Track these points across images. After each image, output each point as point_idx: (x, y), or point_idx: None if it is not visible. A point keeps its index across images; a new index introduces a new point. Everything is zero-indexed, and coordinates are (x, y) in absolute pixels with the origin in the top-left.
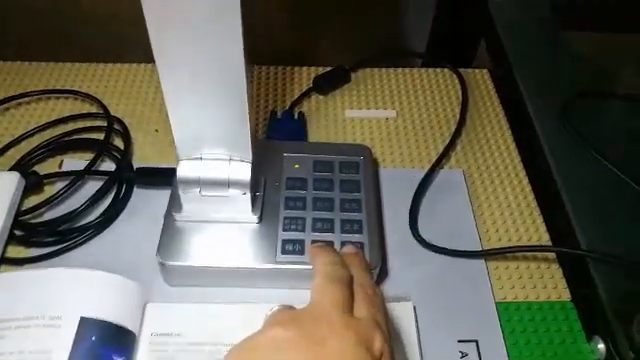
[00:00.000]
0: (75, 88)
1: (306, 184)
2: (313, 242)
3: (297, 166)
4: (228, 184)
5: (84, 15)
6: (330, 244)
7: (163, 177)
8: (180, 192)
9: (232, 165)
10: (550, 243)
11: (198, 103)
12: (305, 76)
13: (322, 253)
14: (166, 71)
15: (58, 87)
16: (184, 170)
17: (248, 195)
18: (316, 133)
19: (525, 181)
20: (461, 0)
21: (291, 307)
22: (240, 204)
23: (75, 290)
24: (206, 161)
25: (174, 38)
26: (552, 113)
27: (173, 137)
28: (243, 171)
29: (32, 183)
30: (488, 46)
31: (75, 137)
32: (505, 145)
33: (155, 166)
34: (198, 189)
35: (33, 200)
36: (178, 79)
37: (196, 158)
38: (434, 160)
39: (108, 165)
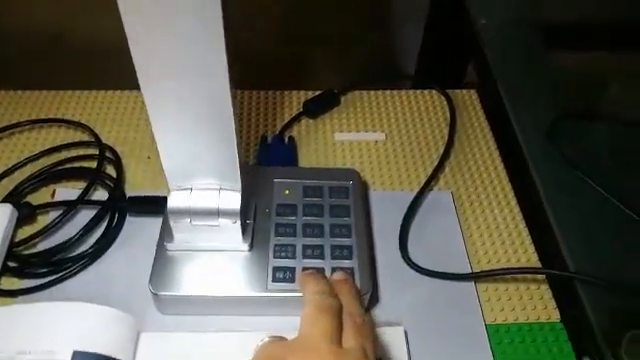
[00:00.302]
0: (67, 116)
1: (296, 210)
2: (304, 269)
3: (287, 192)
4: (218, 214)
5: (75, 40)
6: (320, 271)
7: (155, 205)
8: (171, 222)
9: (222, 195)
10: (539, 264)
11: (186, 135)
12: (295, 100)
13: (312, 281)
14: (153, 105)
15: (51, 115)
16: (174, 201)
17: (238, 224)
18: (306, 157)
19: (513, 202)
20: (449, 21)
21: (281, 338)
22: (230, 233)
23: (67, 323)
24: (196, 191)
25: (160, 72)
26: (538, 133)
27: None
28: (233, 201)
29: (25, 214)
30: (475, 67)
31: (67, 166)
32: (493, 166)
33: (147, 194)
34: (189, 219)
35: (27, 231)
36: (165, 113)
37: (186, 188)
38: (423, 182)
39: (101, 193)
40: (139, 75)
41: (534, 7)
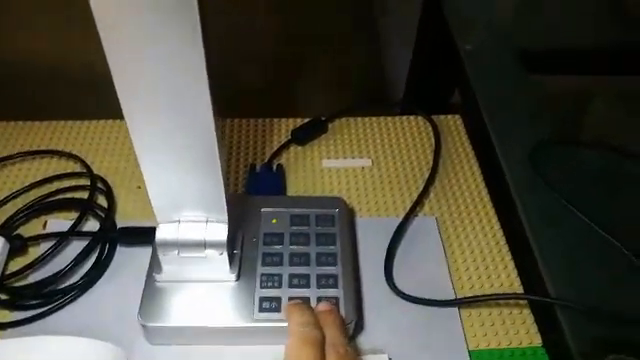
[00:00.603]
0: (60, 147)
1: (283, 239)
2: (290, 299)
3: (275, 221)
4: (205, 245)
5: (61, 71)
6: (306, 300)
7: (145, 236)
8: (159, 254)
9: (209, 227)
10: (522, 288)
11: (172, 170)
12: (284, 128)
13: (297, 312)
14: (138, 139)
15: (42, 146)
16: (162, 234)
17: (225, 254)
18: (294, 184)
19: (497, 226)
20: (436, 47)
21: None
22: (218, 263)
23: (56, 358)
24: (184, 224)
25: (143, 107)
26: (521, 159)
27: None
28: (219, 233)
29: (16, 247)
30: (460, 92)
31: (59, 197)
32: (477, 191)
33: (137, 225)
34: (177, 251)
35: (18, 262)
36: (150, 148)
37: (174, 221)
38: (408, 208)
39: (92, 224)
40: (124, 109)
41: (518, 33)
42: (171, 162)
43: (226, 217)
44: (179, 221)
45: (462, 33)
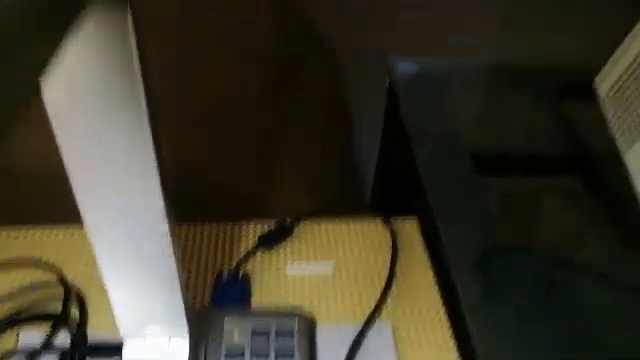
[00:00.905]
0: (37, 253)
1: (244, 353)
2: None
3: (236, 334)
4: None
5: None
6: None
7: (114, 351)
8: None
9: (172, 343)
10: None
11: (133, 291)
12: (251, 232)
13: None
14: (101, 258)
15: (21, 254)
16: (128, 352)
17: None
18: (259, 290)
19: (449, 334)
20: (398, 152)
21: None
22: None
23: None
24: (149, 339)
25: (102, 224)
26: (470, 265)
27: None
28: (181, 350)
29: None
30: (417, 196)
31: (32, 310)
32: (431, 295)
33: (107, 340)
34: None
35: None
36: (113, 269)
37: (139, 337)
38: (367, 314)
39: (65, 335)
40: (85, 224)
41: (472, 138)
42: (132, 284)
43: (188, 334)
44: (144, 337)
45: (417, 139)
